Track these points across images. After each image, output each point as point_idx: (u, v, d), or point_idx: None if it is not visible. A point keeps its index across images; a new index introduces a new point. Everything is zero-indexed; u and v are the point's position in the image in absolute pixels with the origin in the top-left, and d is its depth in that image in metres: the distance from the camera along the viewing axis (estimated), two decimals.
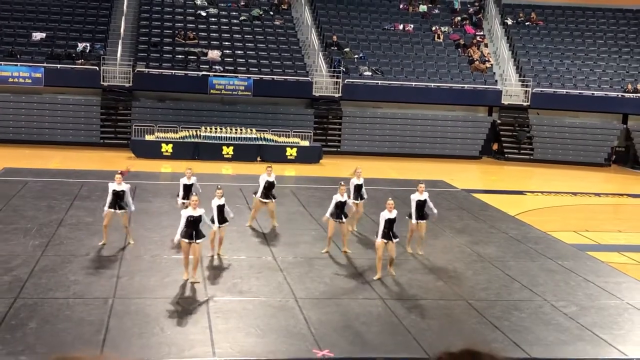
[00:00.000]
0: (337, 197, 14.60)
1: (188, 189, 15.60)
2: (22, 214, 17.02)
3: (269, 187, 16.43)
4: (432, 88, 32.78)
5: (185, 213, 12.40)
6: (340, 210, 14.56)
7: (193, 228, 12.36)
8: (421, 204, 14.99)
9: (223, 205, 13.92)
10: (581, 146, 33.65)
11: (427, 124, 33.44)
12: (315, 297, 12.37)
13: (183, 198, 15.68)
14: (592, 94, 33.58)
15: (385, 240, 13.22)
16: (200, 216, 12.43)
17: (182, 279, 12.60)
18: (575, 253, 16.48)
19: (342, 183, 15.24)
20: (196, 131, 28.86)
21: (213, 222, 13.67)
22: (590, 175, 30.39)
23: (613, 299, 13.09)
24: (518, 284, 13.75)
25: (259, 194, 16.37)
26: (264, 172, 16.66)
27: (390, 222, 13.20)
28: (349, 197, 15.56)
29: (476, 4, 38.25)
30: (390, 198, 13.44)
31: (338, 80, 31.91)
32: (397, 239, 13.46)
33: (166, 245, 14.87)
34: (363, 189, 16.72)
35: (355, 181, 16.57)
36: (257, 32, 34.52)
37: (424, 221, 15.09)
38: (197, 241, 12.42)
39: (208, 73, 30.95)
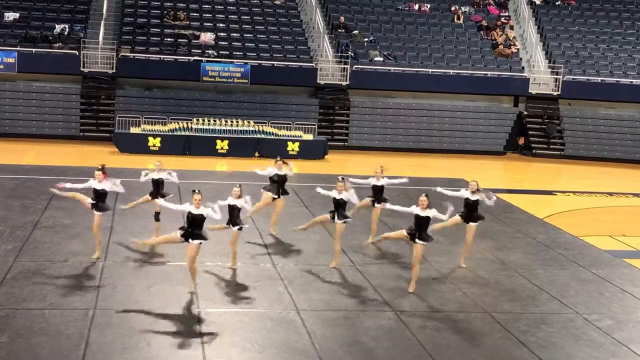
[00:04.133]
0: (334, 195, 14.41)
1: (157, 185, 15.54)
2: None
3: (281, 182, 16.45)
4: (451, 75, 32.75)
5: (187, 209, 12.46)
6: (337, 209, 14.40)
7: (192, 227, 12.41)
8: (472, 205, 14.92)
9: (236, 206, 13.70)
10: (618, 141, 33.60)
11: (445, 115, 33.42)
12: (320, 308, 12.39)
13: (152, 195, 15.41)
14: (631, 82, 33.48)
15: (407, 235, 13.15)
16: (201, 215, 12.43)
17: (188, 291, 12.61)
18: (610, 260, 16.47)
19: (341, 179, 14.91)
20: (187, 123, 28.90)
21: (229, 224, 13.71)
22: (627, 173, 30.34)
23: None
24: (546, 295, 13.75)
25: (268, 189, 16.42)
26: (273, 166, 16.59)
27: (418, 221, 13.09)
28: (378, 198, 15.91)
29: None
30: (424, 194, 13.23)
31: (346, 66, 31.90)
32: (424, 242, 13.17)
33: (153, 250, 14.89)
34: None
35: (374, 182, 16.27)
36: (255, 12, 34.55)
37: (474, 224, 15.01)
38: (193, 242, 12.44)
39: (200, 58, 30.98)
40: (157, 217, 15.56)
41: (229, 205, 13.67)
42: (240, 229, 13.82)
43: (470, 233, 15.04)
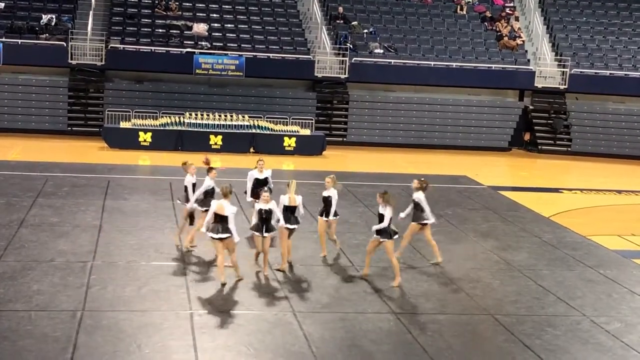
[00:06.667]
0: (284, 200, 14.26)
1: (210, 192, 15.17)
2: None
3: (258, 186, 16.41)
4: (453, 68, 32.76)
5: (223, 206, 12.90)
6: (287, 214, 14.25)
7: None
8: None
9: (270, 211, 13.70)
10: (627, 136, 33.62)
11: (448, 110, 33.43)
12: (317, 310, 12.39)
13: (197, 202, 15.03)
14: None
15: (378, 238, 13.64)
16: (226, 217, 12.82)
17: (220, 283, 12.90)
18: (619, 260, 16.47)
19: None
20: (179, 118, 28.87)
21: (258, 229, 13.76)
22: (637, 170, 30.37)
23: None
24: (552, 297, 13.75)
25: (248, 194, 16.32)
26: (254, 168, 16.53)
27: (381, 218, 13.49)
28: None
29: None
30: (383, 191, 13.63)
31: (344, 58, 31.90)
32: (381, 238, 13.55)
33: (144, 249, 14.89)
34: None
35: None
36: (250, 2, 34.53)
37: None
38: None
39: (193, 50, 30.95)
40: (192, 220, 15.18)
41: (261, 210, 13.64)
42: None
43: (426, 232, 15.09)
